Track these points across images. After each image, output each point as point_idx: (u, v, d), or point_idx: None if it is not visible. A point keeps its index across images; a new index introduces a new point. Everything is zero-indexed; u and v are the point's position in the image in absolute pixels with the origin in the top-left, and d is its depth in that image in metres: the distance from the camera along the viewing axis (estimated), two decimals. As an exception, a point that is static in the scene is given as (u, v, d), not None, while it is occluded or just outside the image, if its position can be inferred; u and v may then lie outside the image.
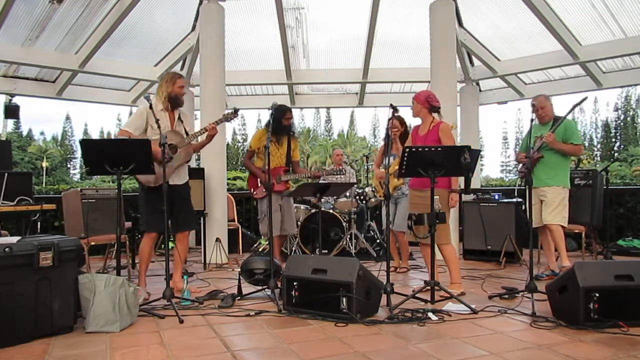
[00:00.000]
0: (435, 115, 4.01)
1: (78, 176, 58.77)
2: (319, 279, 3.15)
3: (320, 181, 5.12)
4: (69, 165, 62.28)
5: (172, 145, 3.84)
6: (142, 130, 3.87)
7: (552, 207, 4.41)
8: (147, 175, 3.72)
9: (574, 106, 4.36)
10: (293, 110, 5.30)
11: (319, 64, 8.20)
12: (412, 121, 4.34)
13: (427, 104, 3.98)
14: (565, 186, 4.48)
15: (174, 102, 3.97)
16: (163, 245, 6.23)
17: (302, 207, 6.28)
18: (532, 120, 3.99)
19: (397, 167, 3.63)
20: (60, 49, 6.75)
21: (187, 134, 4.00)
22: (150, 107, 3.67)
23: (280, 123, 4.86)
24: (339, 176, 5.21)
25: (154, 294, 3.70)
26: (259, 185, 5.01)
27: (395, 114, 4.07)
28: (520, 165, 4.81)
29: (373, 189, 5.95)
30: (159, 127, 3.57)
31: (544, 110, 4.49)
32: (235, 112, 4.19)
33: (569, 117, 4.44)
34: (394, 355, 2.49)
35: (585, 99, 4.33)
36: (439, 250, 3.90)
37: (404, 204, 5.05)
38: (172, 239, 4.29)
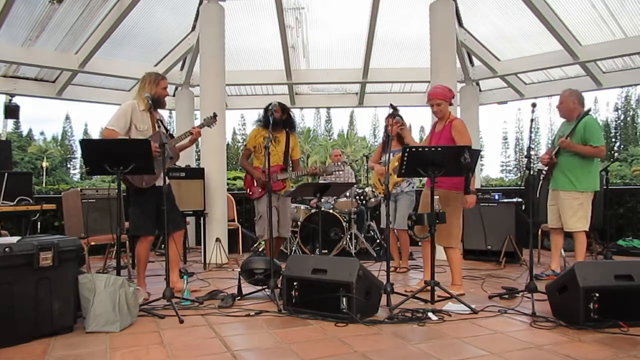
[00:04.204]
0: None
1: (78, 176, 58.79)
2: (319, 279, 3.15)
3: (321, 181, 5.11)
4: (69, 165, 62.29)
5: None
6: (126, 130, 3.78)
7: (571, 213, 4.28)
8: (144, 175, 3.70)
9: (584, 114, 4.27)
10: (293, 110, 5.30)
11: (319, 64, 8.20)
12: (409, 121, 4.26)
13: (449, 96, 3.87)
14: (585, 190, 4.26)
15: (156, 104, 3.88)
16: (163, 245, 6.23)
17: (302, 207, 6.28)
18: (532, 120, 3.96)
19: (396, 164, 3.63)
20: (60, 49, 6.76)
21: (171, 136, 3.95)
22: (152, 107, 3.65)
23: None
24: (338, 172, 5.20)
25: (154, 294, 3.71)
26: (255, 184, 4.95)
27: (394, 113, 4.05)
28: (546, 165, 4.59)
29: (373, 189, 5.95)
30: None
31: (562, 105, 4.36)
32: (214, 116, 4.15)
33: (591, 114, 4.27)
34: (394, 355, 2.49)
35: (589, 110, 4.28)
36: (445, 252, 3.91)
37: (403, 201, 5.06)
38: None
